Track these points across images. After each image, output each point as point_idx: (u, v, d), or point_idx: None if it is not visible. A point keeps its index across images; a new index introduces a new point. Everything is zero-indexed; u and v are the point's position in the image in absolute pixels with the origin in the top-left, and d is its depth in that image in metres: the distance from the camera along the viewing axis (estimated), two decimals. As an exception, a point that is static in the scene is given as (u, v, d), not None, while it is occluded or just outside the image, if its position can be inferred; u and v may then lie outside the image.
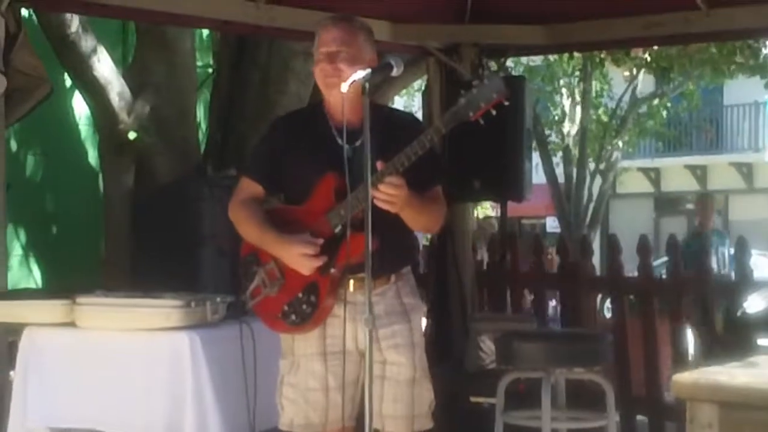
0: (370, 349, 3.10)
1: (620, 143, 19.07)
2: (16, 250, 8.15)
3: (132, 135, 6.99)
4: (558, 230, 19.50)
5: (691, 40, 8.63)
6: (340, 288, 3.40)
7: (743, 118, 24.85)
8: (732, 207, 23.80)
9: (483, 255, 7.19)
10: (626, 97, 18.91)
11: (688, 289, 5.92)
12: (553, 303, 7.44)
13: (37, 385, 4.14)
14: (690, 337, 5.95)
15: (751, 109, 24.45)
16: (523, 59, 16.34)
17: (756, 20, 5.80)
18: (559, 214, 18.65)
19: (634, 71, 17.57)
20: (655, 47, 12.98)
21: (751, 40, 12.49)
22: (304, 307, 3.42)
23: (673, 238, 6.06)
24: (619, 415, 5.26)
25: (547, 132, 18.87)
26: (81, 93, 7.42)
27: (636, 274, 6.18)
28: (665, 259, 6.19)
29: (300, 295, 3.42)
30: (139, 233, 6.88)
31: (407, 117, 3.83)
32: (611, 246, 6.28)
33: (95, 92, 6.96)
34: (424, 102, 6.94)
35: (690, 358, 5.85)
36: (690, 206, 25.29)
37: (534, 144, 9.28)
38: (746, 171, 24.66)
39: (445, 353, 6.05)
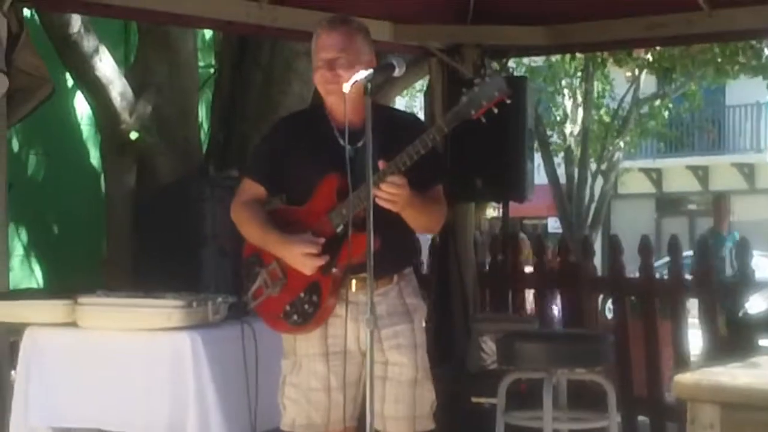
0: (371, 350, 3.10)
1: (622, 144, 19.07)
2: (18, 250, 8.16)
3: (134, 135, 6.99)
4: (559, 231, 19.50)
5: (694, 40, 8.65)
6: (342, 288, 3.40)
7: (745, 118, 24.86)
8: (734, 208, 23.75)
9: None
10: (628, 98, 18.92)
11: (690, 290, 5.93)
12: (556, 309, 7.41)
13: (38, 385, 4.14)
14: (691, 337, 5.94)
15: (753, 109, 24.46)
16: (525, 60, 16.34)
17: (758, 21, 5.80)
18: (561, 215, 18.65)
19: (636, 72, 17.57)
20: (658, 48, 12.97)
21: (754, 40, 12.49)
22: (306, 307, 3.42)
23: (675, 238, 6.05)
24: (621, 416, 5.26)
25: (548, 132, 18.88)
26: (83, 93, 7.42)
27: (637, 274, 6.18)
28: (667, 259, 6.18)
29: (302, 295, 3.42)
30: (140, 233, 6.88)
31: (409, 117, 3.83)
32: (613, 246, 6.29)
33: (97, 92, 6.96)
34: (426, 102, 6.94)
35: (694, 358, 5.85)
36: (692, 207, 25.36)
37: (536, 144, 9.28)
38: (748, 171, 24.66)
39: (446, 353, 6.05)
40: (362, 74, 3.18)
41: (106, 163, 7.43)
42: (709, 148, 25.07)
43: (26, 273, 8.31)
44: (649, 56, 14.81)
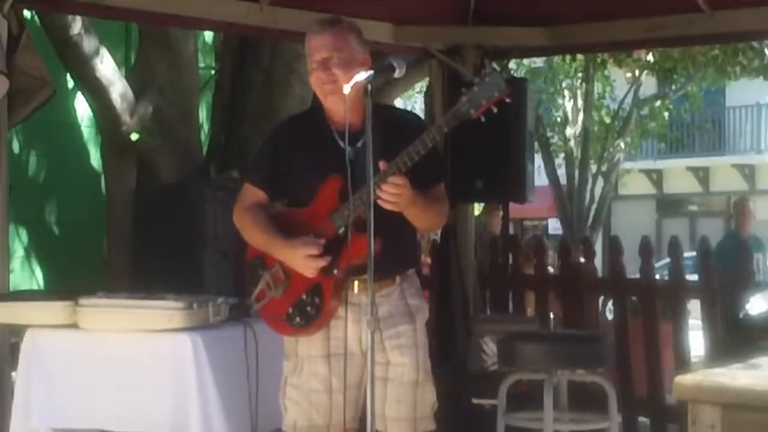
0: (372, 352, 3.10)
1: (622, 145, 19.07)
2: (19, 252, 8.17)
3: (134, 136, 6.99)
4: (560, 232, 19.51)
5: (694, 42, 8.65)
6: (344, 290, 3.40)
7: (745, 119, 24.85)
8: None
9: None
10: (628, 99, 18.92)
11: (691, 291, 5.93)
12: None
13: (39, 386, 4.14)
14: (692, 338, 5.94)
15: (753, 110, 24.45)
16: (525, 61, 16.34)
17: (759, 22, 5.80)
18: (561, 216, 18.66)
19: (637, 73, 17.57)
20: (658, 49, 12.97)
21: (755, 41, 12.49)
22: (308, 309, 3.42)
23: (675, 239, 6.06)
24: (621, 417, 5.26)
25: (549, 134, 18.89)
26: (83, 94, 7.42)
27: (638, 275, 6.18)
28: (667, 260, 6.18)
29: (304, 296, 3.42)
30: (141, 234, 6.89)
31: (409, 116, 3.81)
32: (613, 247, 6.29)
33: (98, 93, 6.97)
34: (426, 104, 6.94)
35: (695, 359, 5.85)
36: (692, 208, 25.36)
37: (536, 146, 9.27)
38: (748, 172, 24.63)
39: (447, 355, 6.05)
40: (362, 75, 3.18)
41: (107, 165, 7.44)
42: (709, 149, 25.05)
43: (27, 274, 8.32)
44: (650, 57, 14.81)
